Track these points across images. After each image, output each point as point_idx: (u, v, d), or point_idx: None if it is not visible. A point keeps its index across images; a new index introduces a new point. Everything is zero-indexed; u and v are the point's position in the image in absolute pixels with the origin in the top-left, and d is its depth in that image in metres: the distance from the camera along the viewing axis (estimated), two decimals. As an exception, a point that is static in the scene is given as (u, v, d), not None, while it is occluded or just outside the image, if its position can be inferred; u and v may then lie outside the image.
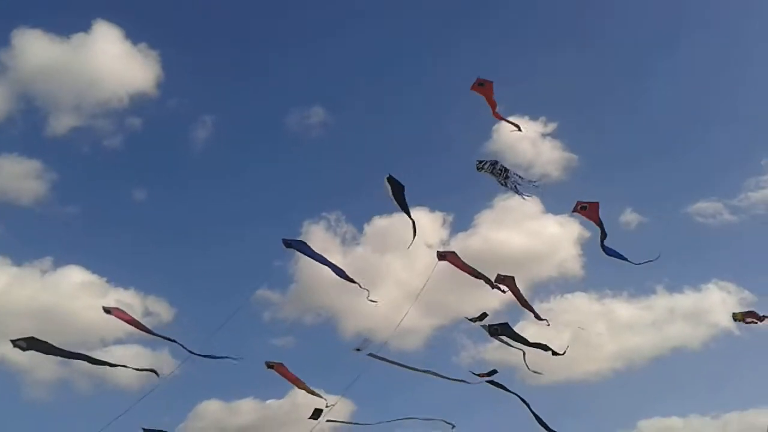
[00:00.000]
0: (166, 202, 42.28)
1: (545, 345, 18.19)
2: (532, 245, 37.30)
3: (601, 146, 43.11)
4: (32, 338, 14.98)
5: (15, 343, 14.73)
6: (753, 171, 41.21)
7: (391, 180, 17.21)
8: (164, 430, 17.09)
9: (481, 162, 17.87)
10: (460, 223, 37.35)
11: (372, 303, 17.37)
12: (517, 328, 18.74)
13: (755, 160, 41.27)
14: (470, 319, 18.34)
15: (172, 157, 43.25)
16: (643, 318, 35.70)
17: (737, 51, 43.71)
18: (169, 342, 17.28)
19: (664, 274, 38.40)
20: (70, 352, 15.68)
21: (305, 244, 17.43)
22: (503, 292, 18.09)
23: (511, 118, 18.71)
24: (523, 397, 18.40)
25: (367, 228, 36.86)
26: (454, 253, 18.15)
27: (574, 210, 17.62)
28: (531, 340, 18.36)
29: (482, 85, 17.25)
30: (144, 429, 16.78)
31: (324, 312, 34.73)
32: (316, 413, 17.26)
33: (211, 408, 33.27)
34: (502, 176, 17.64)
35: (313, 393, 17.88)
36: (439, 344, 35.69)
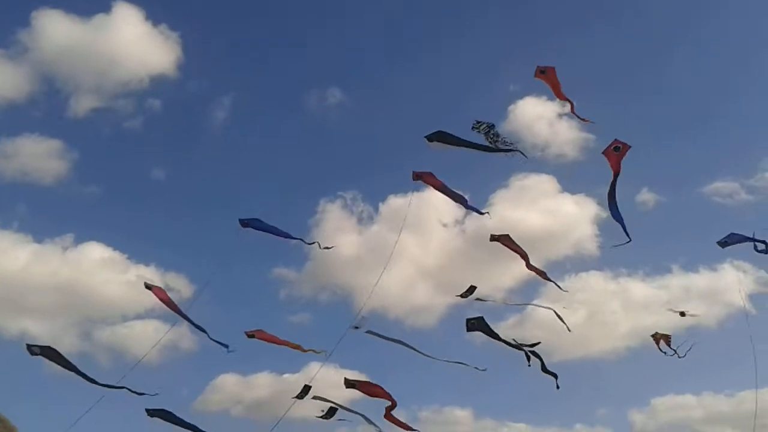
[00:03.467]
0: (184, 181, 42.82)
1: (518, 344, 18.52)
2: (548, 224, 37.33)
3: (619, 126, 42.73)
4: (48, 347, 15.68)
5: (30, 347, 15.43)
6: (770, 152, 40.91)
7: (431, 136, 17.21)
8: (168, 409, 17.09)
9: (478, 122, 17.99)
10: (476, 202, 37.05)
11: (327, 249, 18.90)
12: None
13: (772, 140, 40.99)
14: (459, 295, 18.65)
15: (190, 137, 43.73)
16: (658, 297, 35.73)
17: (757, 33, 43.20)
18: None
19: (680, 254, 38.39)
20: (76, 368, 16.13)
21: (259, 220, 18.01)
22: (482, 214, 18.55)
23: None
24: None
25: (382, 207, 37.12)
26: (429, 173, 18.26)
27: (607, 149, 17.46)
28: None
29: (544, 73, 17.12)
30: (147, 410, 16.79)
31: (340, 290, 35.15)
32: (305, 390, 17.67)
33: (229, 381, 33.91)
34: (493, 140, 17.73)
35: (298, 348, 18.29)
36: (453, 322, 35.96)
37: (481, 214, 18.65)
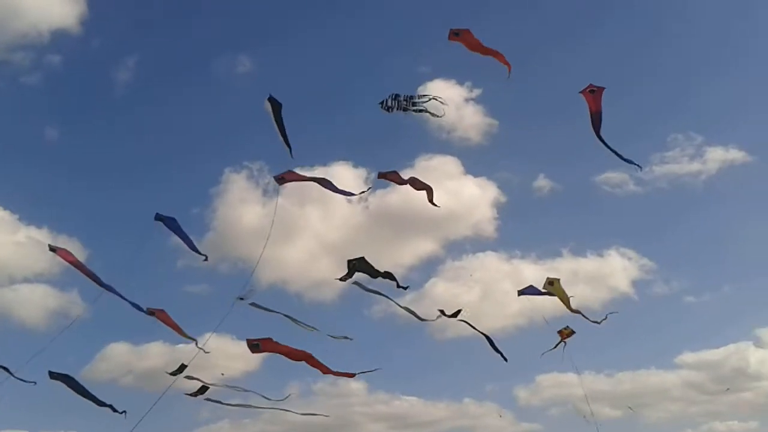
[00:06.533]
0: (80, 142, 41.20)
1: (392, 275, 19.40)
2: (450, 205, 38.44)
3: (521, 114, 44.43)
4: None
5: None
6: (659, 146, 43.83)
7: (272, 99, 18.06)
8: (69, 374, 17.09)
9: (383, 103, 18.15)
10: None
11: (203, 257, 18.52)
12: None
13: (662, 136, 43.81)
14: (339, 279, 19.22)
15: (90, 97, 42.01)
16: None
17: (651, 27, 45.71)
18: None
19: (571, 239, 40.60)
20: None
21: (175, 221, 18.10)
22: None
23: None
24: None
25: (288, 180, 36.90)
26: (290, 171, 19.23)
27: (582, 91, 18.13)
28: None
29: (458, 35, 17.22)
30: (50, 372, 16.68)
31: (240, 262, 34.93)
32: (181, 368, 17.84)
33: (119, 350, 33.27)
34: (408, 104, 18.01)
35: (188, 337, 18.44)
36: (352, 297, 36.54)
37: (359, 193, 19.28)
